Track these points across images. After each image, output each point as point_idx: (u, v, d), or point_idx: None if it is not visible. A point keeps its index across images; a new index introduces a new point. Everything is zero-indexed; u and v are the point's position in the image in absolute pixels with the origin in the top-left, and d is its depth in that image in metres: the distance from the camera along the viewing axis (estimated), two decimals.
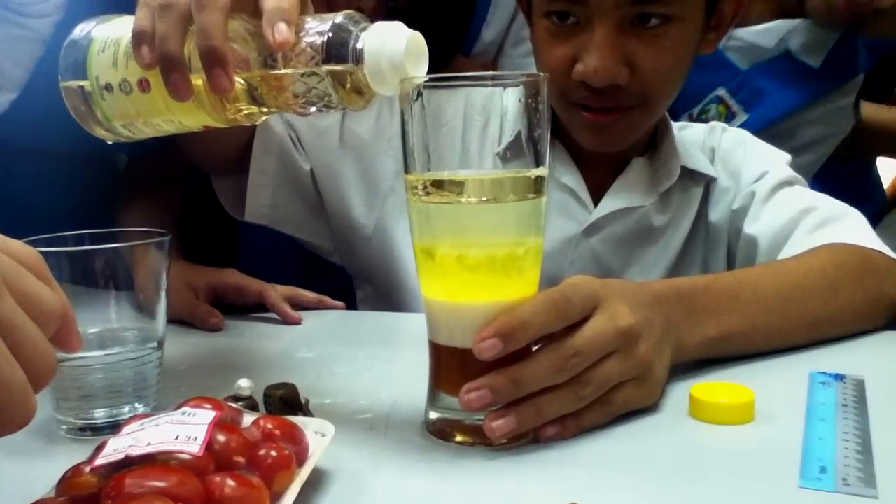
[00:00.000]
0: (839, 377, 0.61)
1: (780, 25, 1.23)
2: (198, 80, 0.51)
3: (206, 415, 0.42)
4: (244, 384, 0.54)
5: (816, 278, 0.71)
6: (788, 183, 0.89)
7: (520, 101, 0.49)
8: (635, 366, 0.53)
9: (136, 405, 0.55)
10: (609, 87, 0.78)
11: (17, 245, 0.36)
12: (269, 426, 0.45)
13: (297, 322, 0.82)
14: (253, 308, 0.84)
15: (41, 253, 0.36)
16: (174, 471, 0.38)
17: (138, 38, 0.51)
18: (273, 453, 0.42)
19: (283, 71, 0.50)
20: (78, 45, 0.55)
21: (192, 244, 0.92)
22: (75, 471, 0.40)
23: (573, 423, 0.52)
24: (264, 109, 0.53)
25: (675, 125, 0.93)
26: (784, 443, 0.51)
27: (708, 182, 0.91)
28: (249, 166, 0.85)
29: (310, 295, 0.87)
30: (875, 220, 0.89)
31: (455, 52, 1.25)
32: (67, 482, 0.40)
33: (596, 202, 0.88)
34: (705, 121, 1.13)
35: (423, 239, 0.52)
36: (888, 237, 0.81)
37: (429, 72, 0.51)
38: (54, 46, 0.86)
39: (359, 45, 0.49)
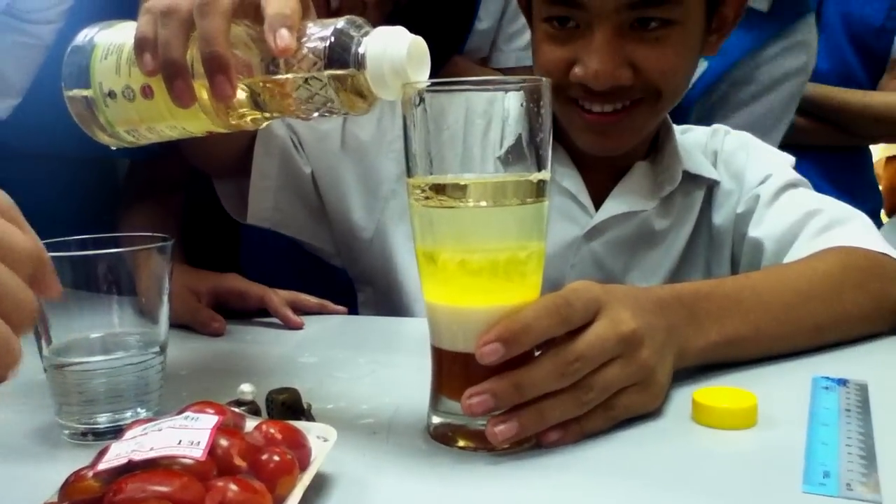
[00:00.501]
0: (842, 382, 0.61)
1: None
2: (201, 87, 0.51)
3: (209, 419, 0.42)
4: (247, 389, 0.54)
5: (821, 282, 0.70)
6: (792, 185, 0.88)
7: (522, 104, 0.49)
8: (638, 371, 0.53)
9: (139, 410, 0.55)
10: (612, 89, 0.78)
11: None
12: (272, 431, 0.45)
13: (298, 327, 0.82)
14: (255, 313, 0.84)
15: None
16: (177, 475, 0.38)
17: (141, 45, 0.51)
18: (276, 458, 0.42)
19: (285, 76, 0.50)
20: (81, 51, 0.56)
21: (194, 248, 0.92)
22: (78, 476, 0.40)
23: (576, 428, 0.51)
24: (267, 114, 0.53)
25: (677, 128, 0.92)
26: (787, 448, 0.51)
27: (710, 185, 0.91)
28: (251, 169, 0.85)
29: (312, 300, 0.87)
30: (872, 218, 0.89)
31: (453, 52, 1.25)
32: (70, 487, 0.40)
33: (597, 206, 0.88)
34: None
35: (426, 243, 0.52)
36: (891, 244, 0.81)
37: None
38: (56, 52, 0.86)
39: (361, 50, 0.49)
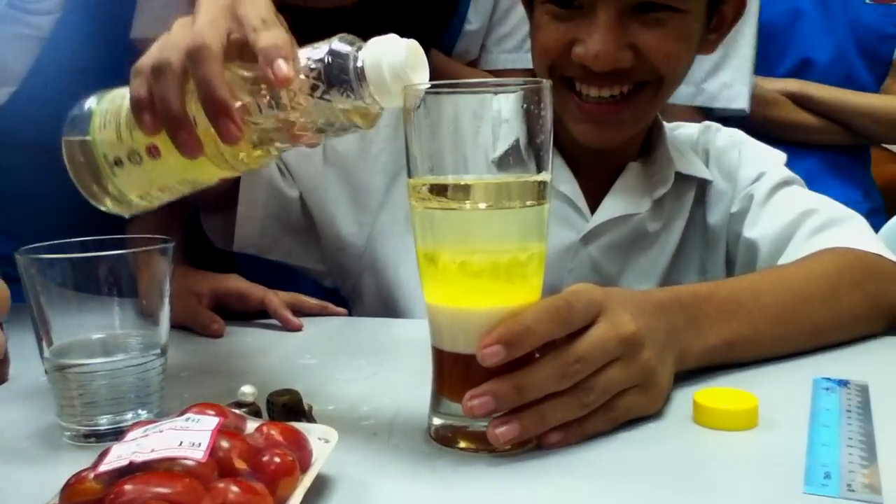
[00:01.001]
0: (843, 383, 0.61)
1: None
2: (205, 134, 0.51)
3: (210, 421, 0.42)
4: (248, 391, 0.54)
5: (819, 283, 0.70)
6: (786, 183, 0.88)
7: (522, 107, 0.49)
8: (638, 373, 0.53)
9: (140, 412, 0.55)
10: (612, 71, 0.78)
11: None
12: (273, 432, 0.45)
13: (297, 328, 0.82)
14: (256, 314, 0.84)
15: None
16: (178, 477, 0.38)
17: (138, 106, 0.51)
18: (276, 459, 0.42)
19: (288, 107, 0.50)
20: (78, 125, 0.55)
21: (195, 249, 0.92)
22: (79, 477, 0.40)
23: (577, 429, 0.51)
24: (274, 150, 0.53)
25: (668, 125, 0.92)
26: (788, 449, 0.51)
27: (702, 183, 0.91)
28: (238, 199, 0.86)
29: (312, 301, 0.87)
30: (872, 218, 0.90)
31: (429, 47, 1.25)
32: (71, 489, 0.40)
33: (591, 209, 0.88)
34: None
35: (427, 245, 0.52)
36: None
37: None
38: (53, 42, 0.87)
39: (359, 65, 0.49)
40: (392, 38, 0.50)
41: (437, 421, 0.53)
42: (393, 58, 0.49)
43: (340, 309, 0.88)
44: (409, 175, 0.52)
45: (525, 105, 0.49)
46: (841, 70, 1.56)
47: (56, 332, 0.53)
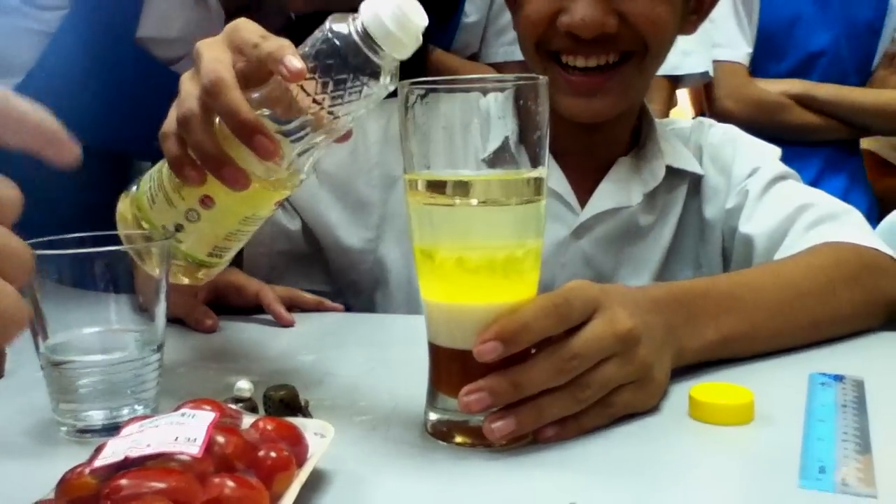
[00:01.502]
0: (838, 378, 0.61)
1: None
2: (247, 163, 0.51)
3: (206, 416, 0.42)
4: (244, 386, 0.54)
5: (815, 278, 0.70)
6: (781, 178, 0.88)
7: (518, 103, 0.49)
8: (635, 369, 0.53)
9: (136, 407, 0.55)
10: (598, 37, 0.77)
11: None
12: (269, 427, 0.45)
13: (290, 324, 0.81)
14: (253, 309, 0.84)
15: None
16: (173, 472, 0.38)
17: (178, 164, 0.52)
18: (273, 454, 0.42)
19: (310, 98, 0.50)
20: (127, 215, 0.56)
21: None
22: (75, 473, 0.40)
23: (573, 425, 0.52)
24: (316, 143, 0.53)
25: (659, 122, 0.92)
26: (783, 443, 0.51)
27: (695, 178, 0.91)
28: None
29: (309, 297, 0.87)
30: (867, 212, 0.91)
31: (427, 43, 1.25)
32: (67, 484, 0.40)
33: (582, 204, 0.88)
34: None
35: (424, 241, 0.52)
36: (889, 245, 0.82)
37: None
38: (59, 37, 0.87)
39: (358, 28, 0.49)
40: None
41: (433, 416, 0.53)
42: (389, 8, 0.49)
43: (337, 305, 0.88)
44: (405, 171, 0.51)
45: (520, 101, 0.49)
46: (839, 65, 1.57)
47: (52, 327, 0.53)
